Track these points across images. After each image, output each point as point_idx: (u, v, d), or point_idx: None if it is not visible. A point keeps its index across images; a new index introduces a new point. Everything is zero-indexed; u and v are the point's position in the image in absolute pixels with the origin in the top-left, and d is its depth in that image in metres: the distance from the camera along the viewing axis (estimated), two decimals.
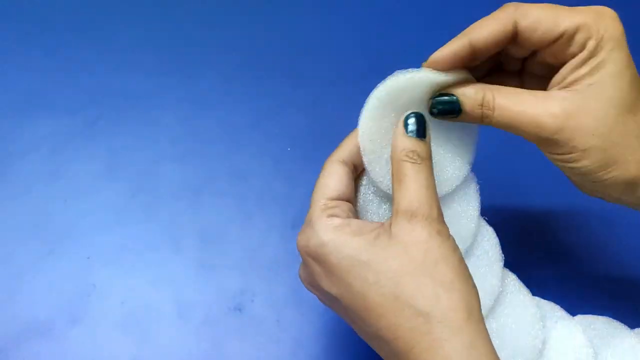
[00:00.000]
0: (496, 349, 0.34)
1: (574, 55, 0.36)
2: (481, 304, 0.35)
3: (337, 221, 0.35)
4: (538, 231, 0.54)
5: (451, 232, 0.36)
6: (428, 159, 0.36)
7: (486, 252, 0.42)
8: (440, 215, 0.35)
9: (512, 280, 0.44)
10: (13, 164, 0.56)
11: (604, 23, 0.35)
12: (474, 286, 0.34)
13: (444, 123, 0.38)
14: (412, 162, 0.35)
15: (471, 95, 0.37)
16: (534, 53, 0.39)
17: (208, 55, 0.62)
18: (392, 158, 0.36)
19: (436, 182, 0.37)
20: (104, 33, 0.63)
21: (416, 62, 0.62)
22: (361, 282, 0.33)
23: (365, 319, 0.34)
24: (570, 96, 0.35)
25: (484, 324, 0.33)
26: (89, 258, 0.52)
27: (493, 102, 0.36)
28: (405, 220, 0.34)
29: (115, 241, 0.52)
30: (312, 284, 0.37)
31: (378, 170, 0.38)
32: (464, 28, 0.63)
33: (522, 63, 0.41)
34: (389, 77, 0.37)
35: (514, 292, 0.44)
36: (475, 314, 0.33)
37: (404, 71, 0.37)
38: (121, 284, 0.50)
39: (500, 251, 0.43)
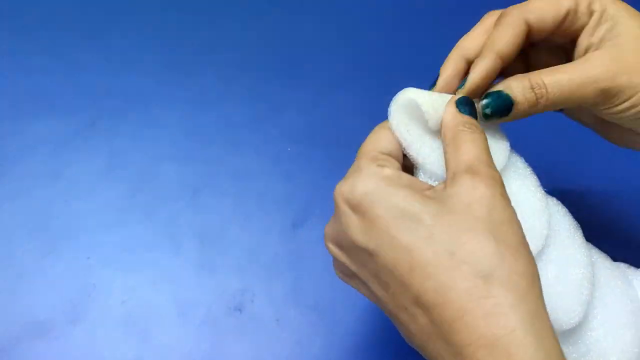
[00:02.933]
0: (600, 337, 0.35)
1: (584, 26, 0.37)
2: (585, 276, 0.36)
3: (388, 171, 0.32)
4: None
5: (523, 209, 0.35)
6: (482, 130, 0.34)
7: (564, 224, 0.40)
8: (501, 179, 0.32)
9: (590, 246, 0.42)
10: (13, 164, 0.56)
11: None
12: (532, 255, 0.31)
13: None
14: (471, 131, 0.33)
15: (517, 84, 0.36)
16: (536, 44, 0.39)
17: (208, 55, 0.62)
18: (445, 131, 0.34)
19: None
20: (103, 33, 0.63)
21: (415, 62, 0.62)
22: (409, 236, 0.30)
23: (406, 280, 0.30)
24: (607, 51, 0.36)
25: (542, 292, 0.30)
26: (89, 258, 0.52)
27: (542, 82, 0.36)
28: (467, 179, 0.31)
29: (115, 241, 0.52)
30: (340, 242, 0.34)
31: (425, 153, 0.36)
32: (461, 29, 0.63)
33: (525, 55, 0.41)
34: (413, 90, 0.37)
35: (599, 260, 0.42)
36: (538, 283, 0.30)
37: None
38: (121, 284, 0.50)
39: (573, 219, 0.41)
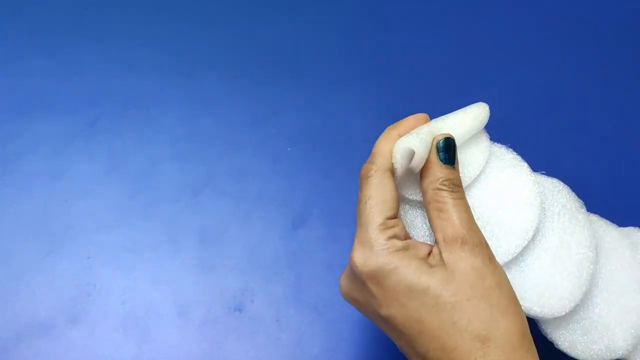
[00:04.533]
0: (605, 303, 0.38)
1: None
2: (585, 257, 0.38)
3: (397, 244, 0.35)
4: None
5: (512, 199, 0.37)
6: (461, 186, 0.37)
7: (564, 206, 0.41)
8: (486, 241, 0.36)
9: (596, 219, 0.43)
10: (13, 164, 0.56)
11: None
12: (522, 310, 0.35)
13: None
14: (450, 191, 0.36)
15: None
16: None
17: (208, 55, 0.62)
18: (426, 186, 0.37)
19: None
20: (104, 33, 0.63)
21: (416, 62, 0.62)
22: (418, 306, 0.34)
23: (417, 341, 0.34)
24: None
25: (534, 345, 0.34)
26: (89, 258, 0.52)
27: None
28: (457, 248, 0.34)
29: (115, 241, 0.52)
30: (355, 298, 0.38)
31: (409, 185, 0.39)
32: (460, 29, 0.63)
33: None
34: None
35: (606, 231, 0.42)
36: (528, 335, 0.34)
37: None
38: (121, 284, 0.51)
39: (576, 197, 0.41)
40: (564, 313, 0.38)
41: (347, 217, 0.53)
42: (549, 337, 0.40)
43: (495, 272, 0.34)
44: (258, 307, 0.50)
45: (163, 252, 0.52)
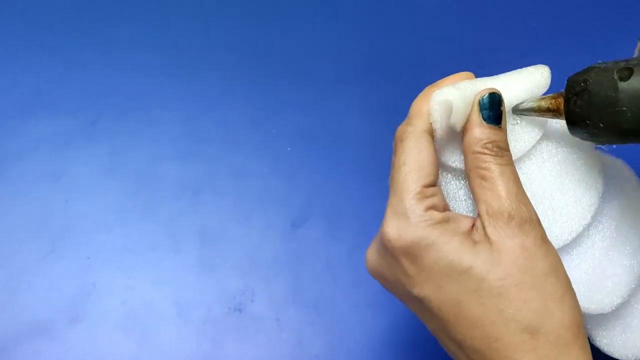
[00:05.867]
0: None
1: None
2: (636, 252, 0.35)
3: (437, 216, 0.31)
4: None
5: (569, 179, 0.34)
6: (508, 150, 0.32)
7: (626, 192, 0.37)
8: (537, 215, 0.31)
9: None
10: (13, 164, 0.56)
11: None
12: (577, 301, 0.31)
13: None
14: (494, 155, 0.32)
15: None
16: None
17: (208, 55, 0.62)
18: (466, 149, 0.32)
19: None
20: (104, 33, 0.63)
21: (416, 62, 0.62)
22: (458, 289, 0.30)
23: (454, 327, 0.31)
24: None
25: (588, 341, 0.31)
26: (89, 258, 0.52)
27: None
28: (503, 223, 0.30)
29: (115, 241, 0.52)
30: (384, 276, 0.34)
31: (451, 151, 0.34)
32: (461, 29, 0.63)
33: None
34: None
35: None
36: (582, 330, 0.31)
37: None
38: (121, 284, 0.51)
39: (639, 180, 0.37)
40: (610, 310, 0.35)
41: (347, 217, 0.53)
42: (586, 333, 0.37)
43: (549, 255, 0.30)
44: (258, 307, 0.50)
45: (163, 252, 0.52)
